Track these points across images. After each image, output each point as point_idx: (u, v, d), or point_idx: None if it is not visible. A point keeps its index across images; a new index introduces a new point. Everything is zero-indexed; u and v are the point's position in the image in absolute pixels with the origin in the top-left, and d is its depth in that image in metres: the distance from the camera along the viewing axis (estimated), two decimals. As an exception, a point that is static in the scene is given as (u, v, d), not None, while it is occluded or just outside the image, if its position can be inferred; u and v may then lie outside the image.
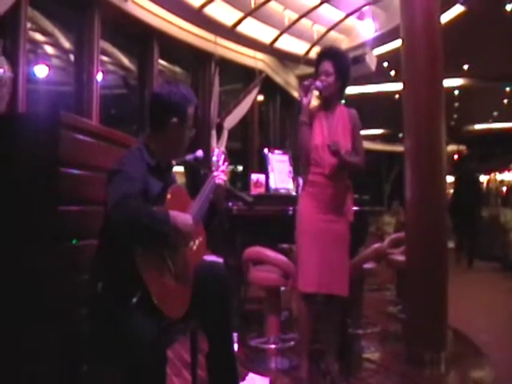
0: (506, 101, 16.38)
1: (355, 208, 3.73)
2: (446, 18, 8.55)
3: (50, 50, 10.82)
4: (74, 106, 6.76)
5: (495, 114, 18.58)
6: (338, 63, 3.52)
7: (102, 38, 7.16)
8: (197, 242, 2.46)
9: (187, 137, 2.52)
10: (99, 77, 7.06)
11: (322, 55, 3.61)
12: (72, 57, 8.45)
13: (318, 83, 3.47)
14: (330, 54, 3.59)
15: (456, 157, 21.27)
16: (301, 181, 5.05)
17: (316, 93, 3.46)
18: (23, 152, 2.27)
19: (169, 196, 2.31)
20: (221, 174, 2.65)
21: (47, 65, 10.14)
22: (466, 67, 12.93)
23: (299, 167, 4.15)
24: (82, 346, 2.26)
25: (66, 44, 10.07)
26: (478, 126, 20.80)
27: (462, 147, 21.86)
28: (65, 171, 2.29)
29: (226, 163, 2.76)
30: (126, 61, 11.02)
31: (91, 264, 2.34)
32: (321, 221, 3.43)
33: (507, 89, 15.07)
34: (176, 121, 2.42)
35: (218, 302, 2.50)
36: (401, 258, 4.68)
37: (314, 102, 3.46)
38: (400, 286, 5.43)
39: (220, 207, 2.73)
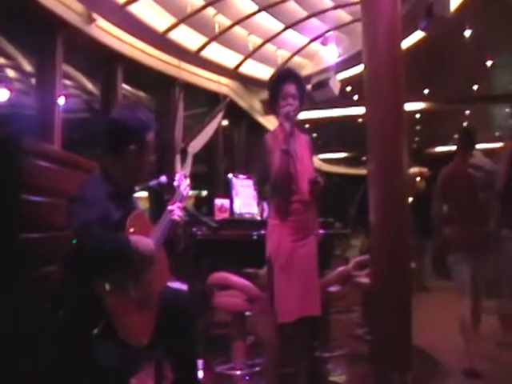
0: (465, 123, 16.78)
1: (321, 231, 3.72)
2: (407, 43, 8.75)
3: (11, 73, 10.72)
4: (36, 130, 6.68)
5: (456, 136, 18.97)
6: (301, 86, 3.49)
7: (64, 61, 7.12)
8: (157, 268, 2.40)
9: (147, 163, 2.47)
10: (61, 100, 7.00)
11: (285, 77, 3.54)
12: (34, 80, 8.39)
13: (291, 110, 3.38)
14: (293, 76, 3.54)
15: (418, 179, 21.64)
16: (265, 205, 5.02)
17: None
18: (-17, 178, 2.21)
19: (129, 224, 2.27)
20: (176, 209, 2.53)
21: (8, 88, 10.04)
22: (426, 91, 13.23)
23: (265, 193, 4.07)
24: (47, 374, 2.20)
25: (28, 67, 9.99)
26: (439, 149, 21.27)
27: (424, 169, 22.26)
28: (27, 198, 2.25)
29: (188, 188, 2.68)
30: (89, 85, 10.98)
31: (54, 292, 2.28)
32: (297, 248, 3.31)
33: (467, 112, 15.45)
34: (134, 148, 2.37)
35: (182, 331, 2.47)
36: (366, 280, 4.70)
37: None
38: (366, 308, 5.45)
39: (177, 244, 2.68)
